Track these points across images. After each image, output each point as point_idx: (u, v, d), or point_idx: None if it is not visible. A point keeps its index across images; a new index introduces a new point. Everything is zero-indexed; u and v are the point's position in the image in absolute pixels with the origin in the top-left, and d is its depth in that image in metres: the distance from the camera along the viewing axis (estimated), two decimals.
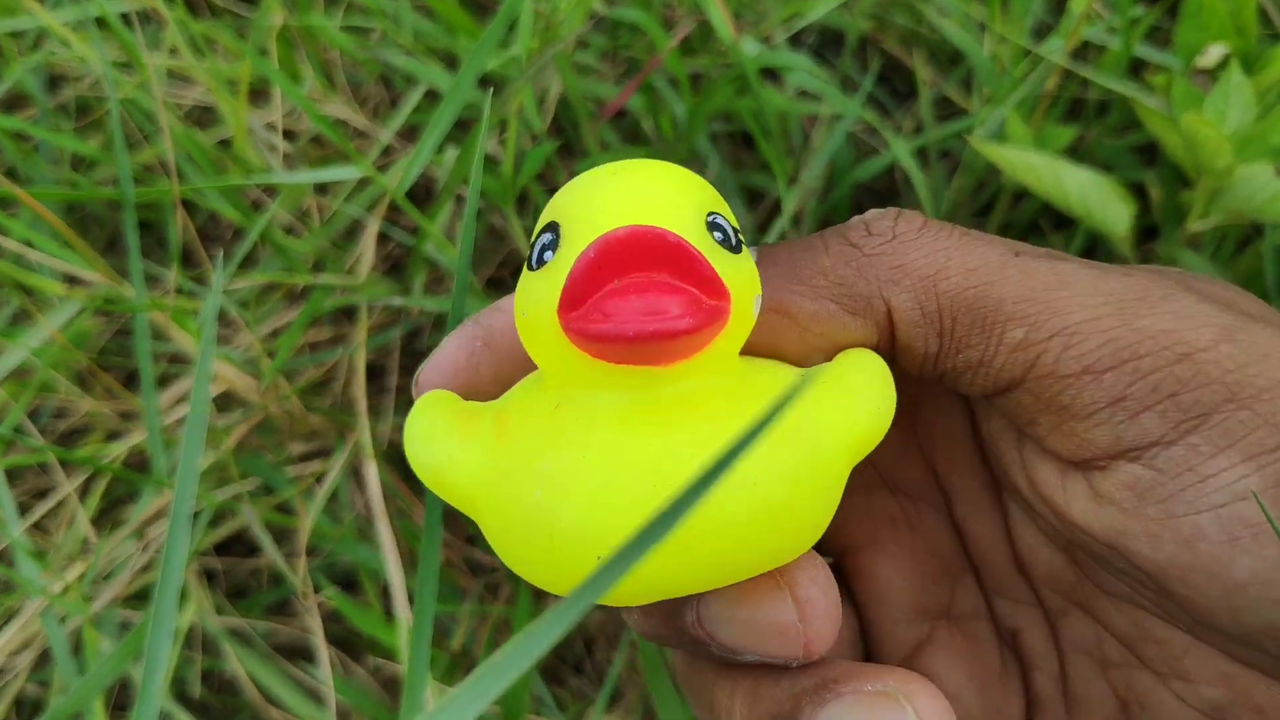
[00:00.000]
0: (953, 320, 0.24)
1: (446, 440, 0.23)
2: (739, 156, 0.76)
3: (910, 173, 0.61)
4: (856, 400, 0.24)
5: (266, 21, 0.56)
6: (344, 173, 0.48)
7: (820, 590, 0.24)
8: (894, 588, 0.31)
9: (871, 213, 0.26)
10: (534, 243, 0.23)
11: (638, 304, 0.20)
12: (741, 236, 0.23)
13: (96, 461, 0.48)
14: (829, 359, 0.26)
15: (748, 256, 0.23)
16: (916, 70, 0.72)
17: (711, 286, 0.20)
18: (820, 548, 0.29)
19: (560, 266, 0.21)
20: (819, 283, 0.25)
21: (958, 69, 0.76)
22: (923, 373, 0.26)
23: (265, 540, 0.50)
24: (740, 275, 0.22)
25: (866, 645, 0.31)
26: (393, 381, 0.65)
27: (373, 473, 0.50)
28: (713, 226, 0.22)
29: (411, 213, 0.52)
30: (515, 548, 0.22)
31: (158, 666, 0.34)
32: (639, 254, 0.20)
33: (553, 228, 0.23)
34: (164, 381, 0.58)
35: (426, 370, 0.27)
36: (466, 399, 0.26)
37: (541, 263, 0.22)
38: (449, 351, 0.27)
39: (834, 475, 0.23)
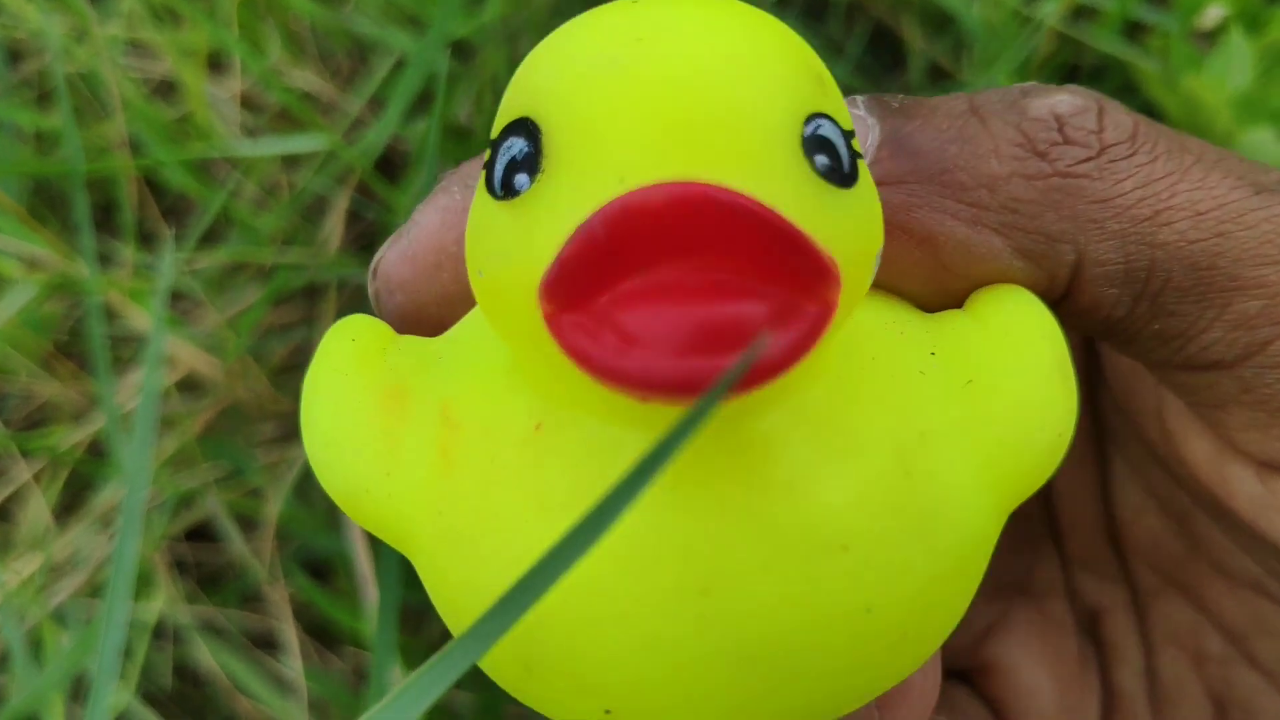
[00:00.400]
0: (1164, 282, 0.17)
1: (362, 453, 0.16)
2: None
3: None
4: (1035, 414, 0.15)
5: None
6: (308, 143, 0.46)
7: None
8: None
9: (1060, 98, 0.18)
10: (494, 149, 0.14)
11: (683, 320, 0.11)
12: (857, 146, 0.14)
13: (54, 449, 0.46)
14: (959, 304, 0.18)
15: (866, 179, 0.14)
16: (906, 35, 0.70)
17: (817, 277, 0.12)
18: None
19: (544, 204, 0.13)
20: (985, 201, 0.17)
21: (946, 34, 0.74)
22: (1087, 333, 0.20)
23: (230, 528, 0.48)
24: (855, 222, 0.14)
25: None
26: None
27: None
28: (815, 145, 0.13)
29: (377, 186, 0.50)
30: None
31: (111, 660, 0.32)
32: (690, 234, 0.12)
33: (527, 128, 0.14)
34: (126, 365, 0.56)
35: (392, 258, 0.18)
36: (440, 312, 0.18)
37: (510, 189, 0.13)
38: (430, 230, 0.18)
39: (985, 549, 0.16)
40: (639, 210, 0.11)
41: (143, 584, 0.56)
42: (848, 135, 0.14)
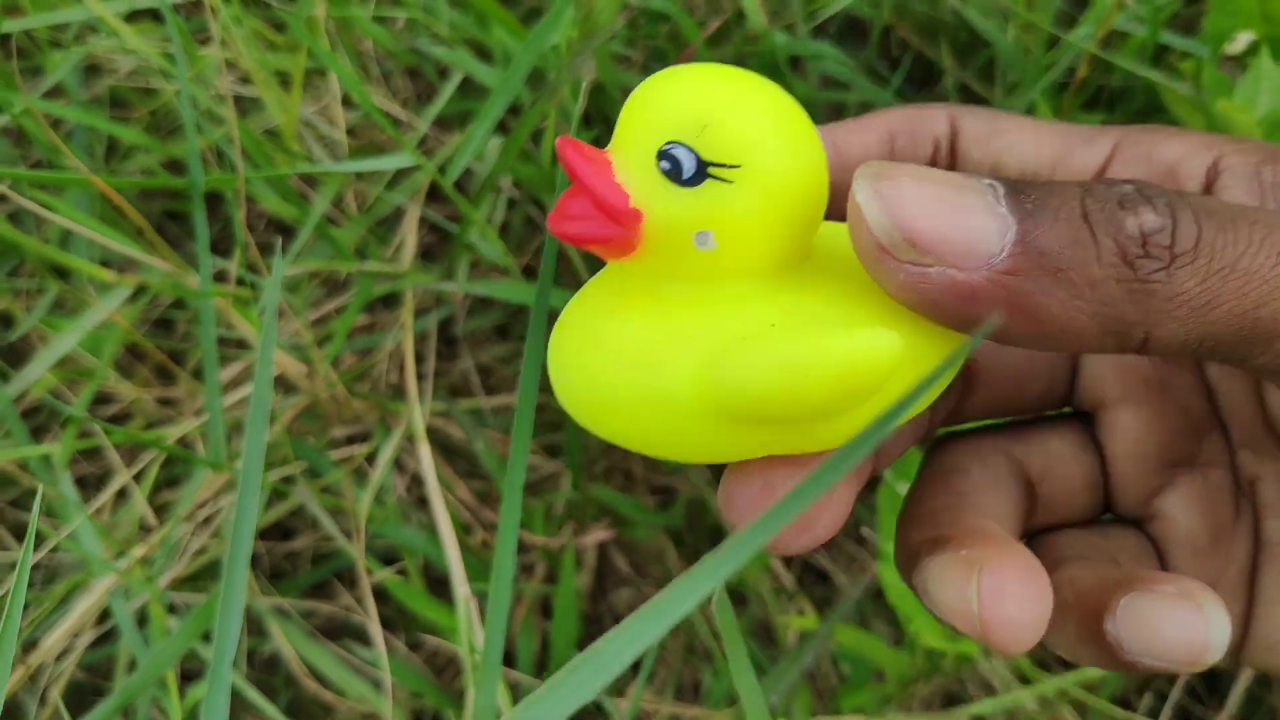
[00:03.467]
0: (1215, 342, 0.23)
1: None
2: None
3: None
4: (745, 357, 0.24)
5: (307, 12, 0.57)
6: (397, 161, 0.49)
7: (1015, 585, 0.25)
8: (1141, 442, 0.32)
9: (1147, 219, 0.23)
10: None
11: (563, 208, 0.23)
12: (718, 169, 0.23)
13: (164, 444, 0.49)
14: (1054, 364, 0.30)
15: (709, 187, 0.23)
16: (942, 58, 0.73)
17: (614, 213, 0.23)
18: (1073, 403, 0.33)
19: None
20: (1085, 296, 0.22)
21: (977, 57, 0.77)
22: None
23: (323, 518, 0.51)
24: (680, 202, 0.23)
25: (1106, 492, 0.33)
26: (430, 367, 0.66)
27: (426, 454, 0.52)
28: (663, 156, 0.23)
29: (459, 202, 0.53)
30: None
31: (229, 639, 0.35)
32: (565, 164, 0.23)
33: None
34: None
35: (923, 218, 0.23)
36: None
37: None
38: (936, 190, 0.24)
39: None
40: (559, 146, 0.23)
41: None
42: (700, 159, 0.23)
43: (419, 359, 0.68)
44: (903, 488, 0.50)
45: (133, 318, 0.53)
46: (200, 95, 0.52)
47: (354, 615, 0.62)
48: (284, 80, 0.66)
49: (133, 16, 0.69)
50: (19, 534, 0.59)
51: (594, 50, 0.57)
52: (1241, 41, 0.52)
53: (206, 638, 0.53)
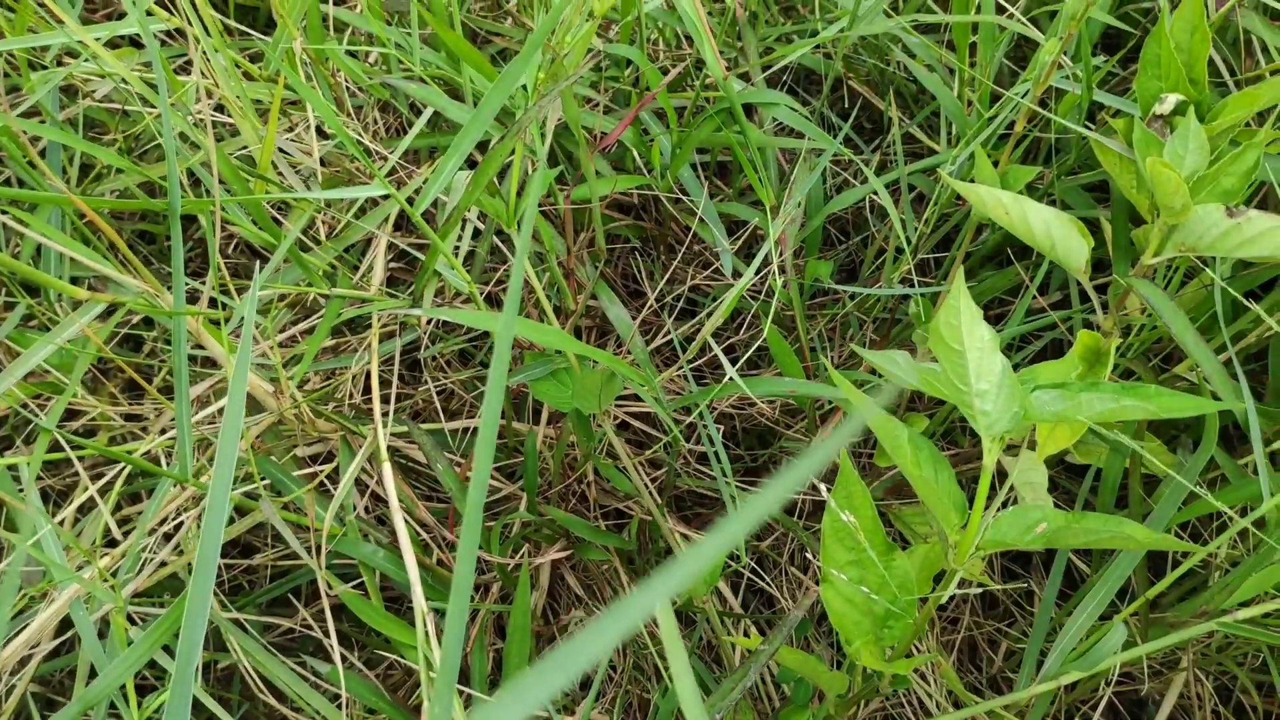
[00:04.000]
0: None
1: None
2: (712, 187, 0.80)
3: (886, 206, 0.66)
4: None
5: (285, 44, 0.59)
6: (368, 190, 0.51)
7: None
8: None
9: None
10: None
11: None
12: None
13: (134, 458, 0.50)
14: None
15: None
16: (889, 109, 0.77)
17: None
18: None
19: None
20: None
21: (922, 109, 0.81)
22: None
23: (286, 534, 0.53)
24: None
25: None
26: (393, 390, 0.68)
27: (388, 474, 0.53)
28: None
29: (427, 231, 0.55)
30: None
31: (193, 646, 0.37)
32: None
33: None
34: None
35: None
36: None
37: None
38: None
39: None
40: None
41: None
42: None
43: (383, 382, 0.70)
44: (848, 516, 0.53)
45: (105, 335, 0.55)
46: (179, 121, 0.54)
47: (313, 632, 0.63)
48: (261, 110, 0.68)
49: (112, 43, 0.71)
50: None
51: (561, 92, 0.60)
52: (1169, 102, 0.56)
53: (167, 650, 0.54)
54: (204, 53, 0.55)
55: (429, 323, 0.67)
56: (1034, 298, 0.72)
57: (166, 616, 0.48)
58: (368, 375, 0.64)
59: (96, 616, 0.52)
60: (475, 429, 0.73)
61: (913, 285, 0.74)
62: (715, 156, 0.79)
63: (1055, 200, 0.73)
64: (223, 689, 0.69)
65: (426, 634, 0.51)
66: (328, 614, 0.56)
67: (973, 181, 0.62)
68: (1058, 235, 0.56)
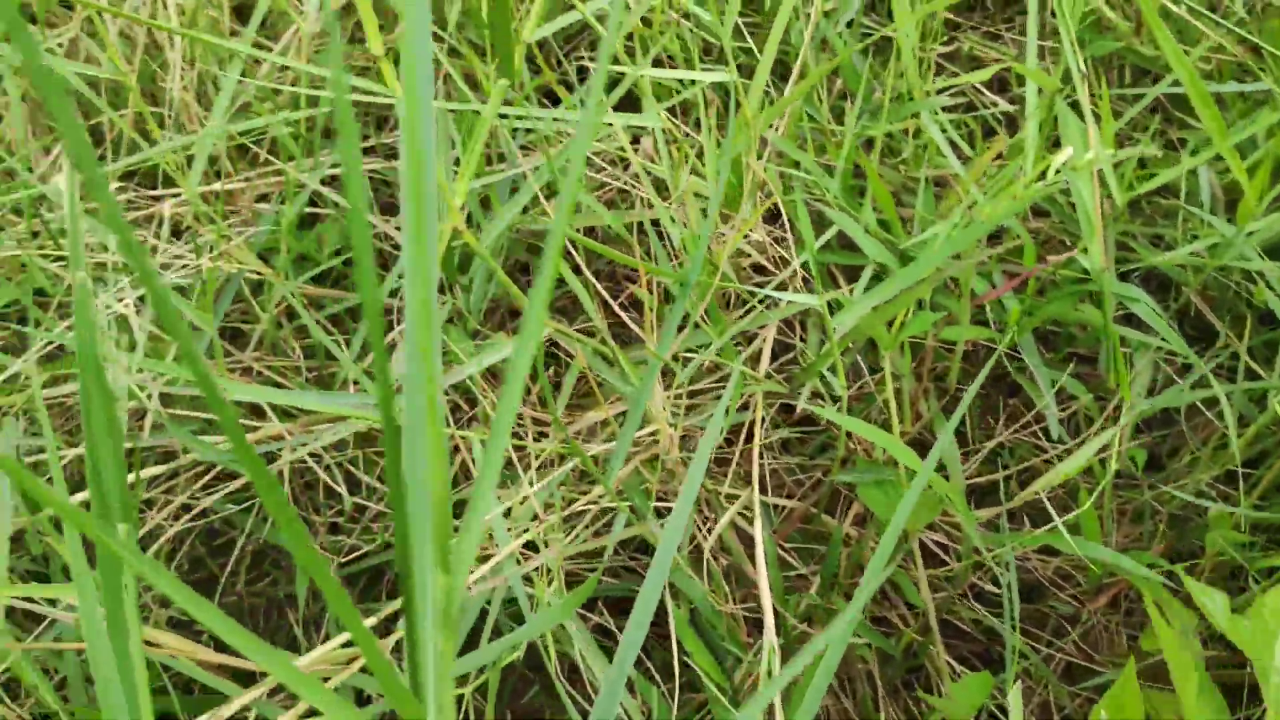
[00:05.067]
0: None
1: None
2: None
3: (1227, 416, 0.72)
4: None
5: None
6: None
7: None
8: None
9: None
10: None
11: None
12: None
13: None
14: None
15: None
16: (1222, 328, 0.83)
17: None
18: None
19: None
20: None
21: (1257, 337, 0.87)
22: None
23: None
24: None
25: None
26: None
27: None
28: None
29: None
30: None
31: None
32: None
33: None
34: None
35: None
36: None
37: None
38: None
39: None
40: None
41: None
42: None
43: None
44: None
45: None
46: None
47: None
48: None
49: None
50: None
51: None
52: None
53: None
54: None
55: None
56: None
57: None
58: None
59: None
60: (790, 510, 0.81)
61: (1214, 497, 0.79)
62: (1045, 323, 0.86)
63: None
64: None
65: None
66: None
67: None
68: None
